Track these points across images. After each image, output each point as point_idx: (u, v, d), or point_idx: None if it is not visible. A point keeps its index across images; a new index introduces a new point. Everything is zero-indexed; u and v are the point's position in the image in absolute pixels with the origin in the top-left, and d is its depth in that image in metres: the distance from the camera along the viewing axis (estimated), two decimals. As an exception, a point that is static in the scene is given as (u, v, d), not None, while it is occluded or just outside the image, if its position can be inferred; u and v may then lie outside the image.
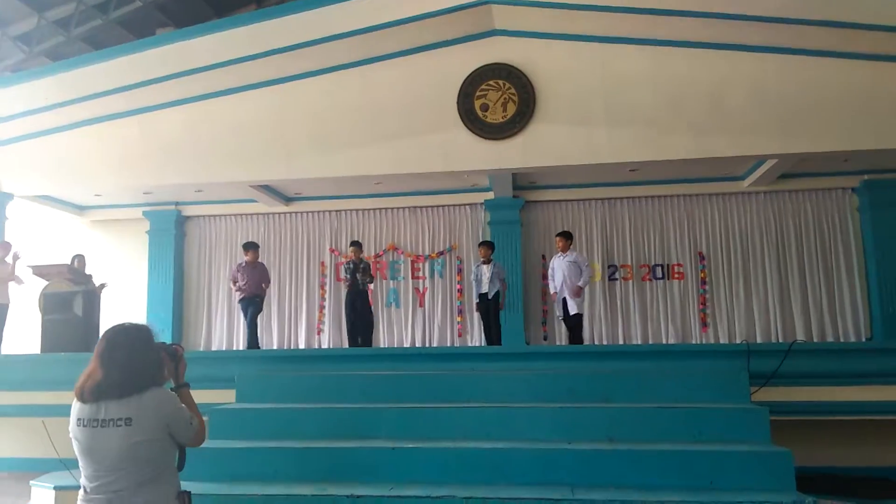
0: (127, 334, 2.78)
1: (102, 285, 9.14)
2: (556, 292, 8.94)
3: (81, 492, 2.68)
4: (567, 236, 9.14)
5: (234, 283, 9.49)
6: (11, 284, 9.23)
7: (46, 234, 11.90)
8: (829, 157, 9.24)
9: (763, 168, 9.93)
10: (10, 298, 9.21)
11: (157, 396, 2.69)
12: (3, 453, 8.74)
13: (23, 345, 9.61)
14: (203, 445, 5.00)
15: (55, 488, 6.31)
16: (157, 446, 2.66)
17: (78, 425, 2.64)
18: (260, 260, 9.83)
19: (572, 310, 8.75)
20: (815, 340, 10.15)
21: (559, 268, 8.89)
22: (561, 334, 10.19)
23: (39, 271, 8.83)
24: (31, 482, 6.73)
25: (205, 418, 5.29)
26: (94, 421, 2.60)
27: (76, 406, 2.68)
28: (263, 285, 9.53)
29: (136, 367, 2.69)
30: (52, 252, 10.71)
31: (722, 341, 10.42)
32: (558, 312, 8.98)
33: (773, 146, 8.75)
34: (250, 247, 9.56)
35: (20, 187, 10.31)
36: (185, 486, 4.61)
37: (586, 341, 10.42)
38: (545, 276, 10.40)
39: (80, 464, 2.66)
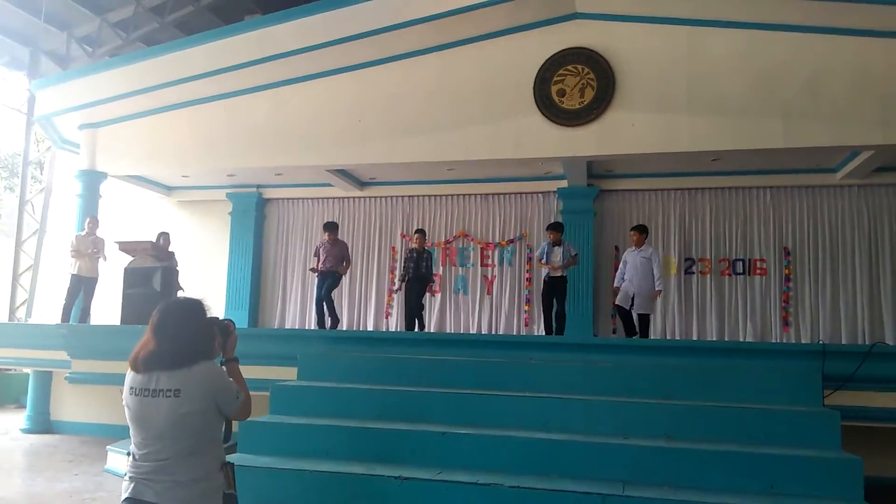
0: (180, 308, 2.87)
1: (181, 288, 9.47)
2: (618, 286, 8.62)
3: (130, 458, 2.77)
4: (642, 230, 8.73)
5: (316, 257, 9.65)
6: (99, 260, 9.73)
7: (135, 213, 12.48)
8: (932, 150, 8.59)
9: (858, 160, 9.31)
10: (98, 272, 9.73)
11: (205, 369, 2.75)
12: (86, 418, 9.33)
13: (109, 317, 10.16)
14: (262, 420, 5.21)
15: (128, 454, 6.65)
16: (203, 418, 2.71)
17: (130, 394, 2.72)
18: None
19: (641, 309, 8.38)
20: (904, 345, 9.48)
21: (632, 263, 8.53)
22: (619, 327, 9.82)
23: (125, 247, 9.26)
24: (108, 447, 7.14)
25: (265, 394, 5.51)
26: (145, 390, 2.68)
27: (129, 375, 2.76)
28: (344, 263, 9.62)
29: (186, 340, 2.75)
30: (139, 230, 11.25)
31: (804, 342, 9.88)
32: (623, 303, 8.58)
33: (875, 136, 8.21)
34: (326, 228, 9.67)
35: (113, 167, 10.85)
36: (241, 458, 4.81)
37: (658, 335, 10.12)
38: (617, 268, 10.12)
39: (131, 431, 2.76)
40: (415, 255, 9.53)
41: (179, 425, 2.65)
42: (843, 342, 9.64)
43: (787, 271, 10.31)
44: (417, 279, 9.45)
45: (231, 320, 3.14)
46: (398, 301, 11.41)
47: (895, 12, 7.75)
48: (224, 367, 2.99)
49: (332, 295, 9.68)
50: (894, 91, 7.99)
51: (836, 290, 10.08)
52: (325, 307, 9.48)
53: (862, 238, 10.09)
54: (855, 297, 10.00)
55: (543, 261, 9.02)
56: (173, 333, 2.75)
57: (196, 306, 2.89)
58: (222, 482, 2.82)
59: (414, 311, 9.53)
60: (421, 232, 9.77)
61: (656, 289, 8.40)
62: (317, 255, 9.70)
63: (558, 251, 8.91)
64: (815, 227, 10.30)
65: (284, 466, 4.63)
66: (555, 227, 9.12)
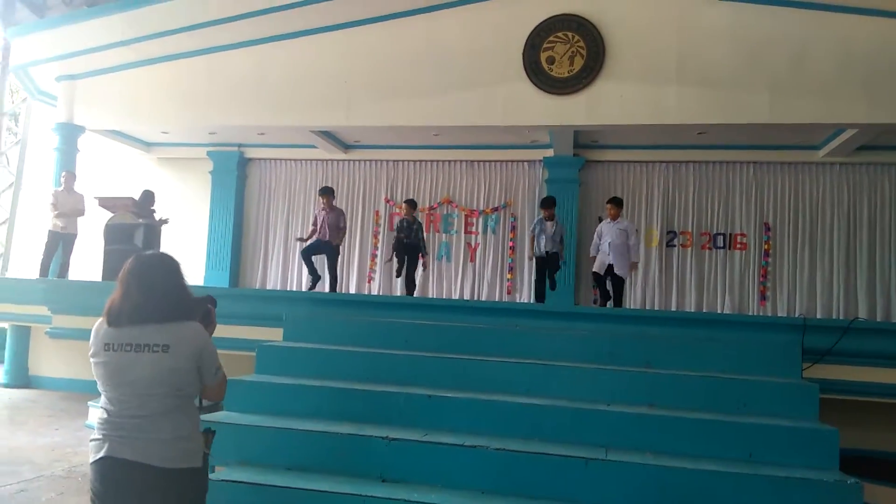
0: (161, 262, 2.78)
1: (164, 220, 9.31)
2: (594, 255, 8.36)
3: (103, 415, 2.63)
4: (619, 203, 8.40)
5: (314, 226, 9.19)
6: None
7: (114, 169, 12.25)
8: (915, 130, 8.72)
9: (841, 138, 9.40)
10: (77, 229, 9.56)
11: (196, 328, 2.71)
12: (65, 374, 9.27)
13: (87, 273, 10.02)
14: (248, 379, 5.20)
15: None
16: (187, 377, 2.65)
17: (106, 350, 2.61)
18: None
19: (619, 271, 8.11)
20: (879, 321, 9.70)
21: (608, 234, 8.21)
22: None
23: (105, 203, 9.13)
24: (90, 403, 7.10)
25: (251, 353, 5.49)
26: (127, 345, 2.58)
27: (104, 330, 2.65)
28: (338, 228, 9.11)
29: (175, 295, 2.70)
30: (118, 186, 11.06)
31: (781, 316, 10.06)
32: (598, 270, 8.47)
33: (859, 114, 8.31)
34: (323, 192, 9.16)
35: (91, 121, 10.64)
36: (227, 416, 4.80)
37: (637, 306, 10.23)
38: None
39: (104, 387, 2.64)
40: (405, 224, 9.06)
41: (164, 381, 2.58)
42: (819, 317, 9.84)
43: (766, 246, 10.44)
44: (407, 248, 9.03)
45: (213, 297, 3.05)
46: (380, 266, 11.38)
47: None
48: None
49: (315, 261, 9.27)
50: (878, 70, 8.06)
51: (814, 266, 10.23)
52: (329, 277, 9.17)
53: (841, 216, 10.22)
54: (832, 273, 10.17)
55: (535, 243, 8.67)
56: (161, 287, 2.67)
57: (175, 262, 2.81)
58: (202, 445, 2.77)
59: (407, 277, 9.16)
60: (409, 202, 9.26)
61: (632, 260, 8.23)
62: (314, 224, 9.16)
63: (551, 227, 8.58)
64: (796, 203, 10.41)
65: (271, 425, 4.63)
66: (548, 204, 8.67)
